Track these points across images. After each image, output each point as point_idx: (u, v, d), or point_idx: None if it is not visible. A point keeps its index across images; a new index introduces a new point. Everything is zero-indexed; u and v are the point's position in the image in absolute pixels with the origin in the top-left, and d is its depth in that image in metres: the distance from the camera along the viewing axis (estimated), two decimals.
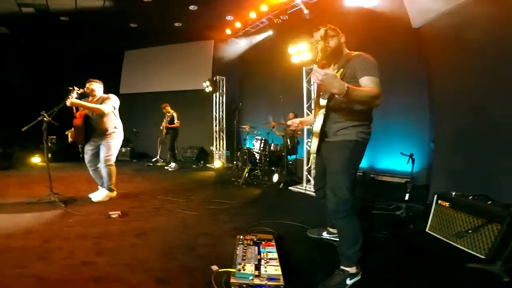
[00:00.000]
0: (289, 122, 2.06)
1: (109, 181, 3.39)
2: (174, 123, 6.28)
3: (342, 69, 1.69)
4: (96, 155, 3.40)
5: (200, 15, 6.36)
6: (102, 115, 3.24)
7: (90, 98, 3.38)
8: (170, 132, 6.32)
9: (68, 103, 3.05)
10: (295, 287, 1.61)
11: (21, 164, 6.16)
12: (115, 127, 3.38)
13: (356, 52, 1.72)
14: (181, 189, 4.18)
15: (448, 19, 3.20)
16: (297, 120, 2.07)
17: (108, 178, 3.38)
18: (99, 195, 3.38)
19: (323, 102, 1.63)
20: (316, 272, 1.79)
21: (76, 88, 3.12)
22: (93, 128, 3.29)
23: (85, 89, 3.33)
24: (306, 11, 5.08)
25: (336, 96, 1.41)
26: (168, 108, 6.44)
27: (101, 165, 3.34)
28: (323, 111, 1.64)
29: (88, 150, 3.38)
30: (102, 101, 3.30)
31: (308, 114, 4.46)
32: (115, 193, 3.52)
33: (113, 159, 3.38)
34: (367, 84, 1.54)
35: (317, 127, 1.66)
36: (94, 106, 3.18)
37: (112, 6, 5.73)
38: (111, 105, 3.26)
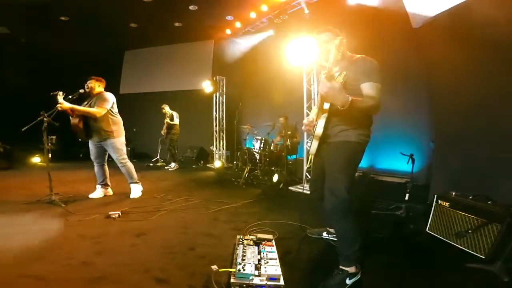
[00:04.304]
0: (305, 121, 1.91)
1: (131, 176, 3.59)
2: (173, 121, 6.30)
3: (345, 72, 1.69)
4: (100, 151, 3.46)
5: (200, 15, 6.35)
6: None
7: (90, 96, 3.39)
8: (170, 132, 6.33)
9: (59, 108, 3.08)
10: (295, 287, 1.61)
11: (21, 164, 6.16)
12: (112, 127, 3.36)
13: (359, 55, 1.72)
14: (181, 189, 4.18)
15: (448, 19, 3.19)
16: (311, 118, 1.90)
17: (129, 175, 3.57)
18: (135, 192, 3.59)
19: (326, 106, 1.64)
20: (316, 272, 1.79)
21: (60, 93, 3.11)
22: (90, 126, 3.30)
23: (85, 88, 3.34)
24: (306, 11, 5.06)
25: (338, 107, 1.44)
26: (167, 109, 6.45)
27: (118, 165, 3.49)
28: (325, 114, 1.65)
29: (92, 147, 3.46)
30: (96, 100, 3.30)
31: (308, 114, 4.44)
32: (140, 186, 3.70)
33: (124, 156, 3.50)
34: (369, 90, 1.56)
35: (319, 131, 1.68)
36: (85, 110, 3.20)
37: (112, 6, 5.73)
38: (104, 107, 3.26)
